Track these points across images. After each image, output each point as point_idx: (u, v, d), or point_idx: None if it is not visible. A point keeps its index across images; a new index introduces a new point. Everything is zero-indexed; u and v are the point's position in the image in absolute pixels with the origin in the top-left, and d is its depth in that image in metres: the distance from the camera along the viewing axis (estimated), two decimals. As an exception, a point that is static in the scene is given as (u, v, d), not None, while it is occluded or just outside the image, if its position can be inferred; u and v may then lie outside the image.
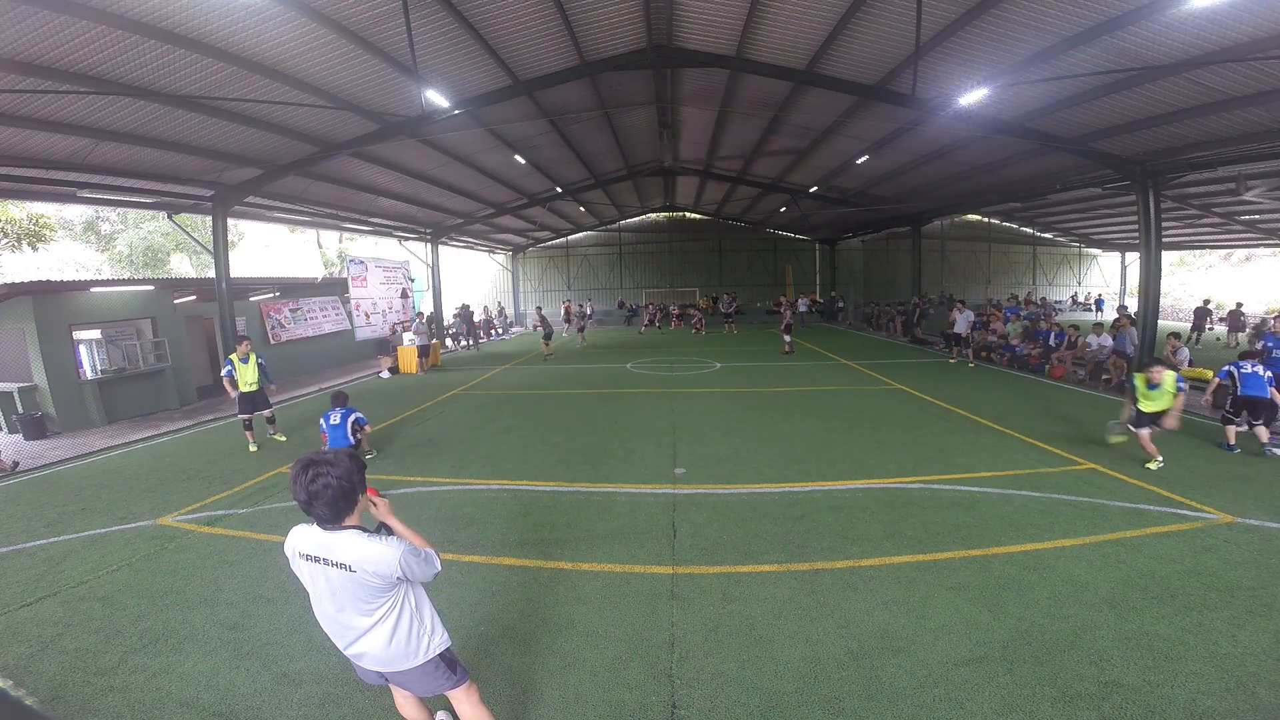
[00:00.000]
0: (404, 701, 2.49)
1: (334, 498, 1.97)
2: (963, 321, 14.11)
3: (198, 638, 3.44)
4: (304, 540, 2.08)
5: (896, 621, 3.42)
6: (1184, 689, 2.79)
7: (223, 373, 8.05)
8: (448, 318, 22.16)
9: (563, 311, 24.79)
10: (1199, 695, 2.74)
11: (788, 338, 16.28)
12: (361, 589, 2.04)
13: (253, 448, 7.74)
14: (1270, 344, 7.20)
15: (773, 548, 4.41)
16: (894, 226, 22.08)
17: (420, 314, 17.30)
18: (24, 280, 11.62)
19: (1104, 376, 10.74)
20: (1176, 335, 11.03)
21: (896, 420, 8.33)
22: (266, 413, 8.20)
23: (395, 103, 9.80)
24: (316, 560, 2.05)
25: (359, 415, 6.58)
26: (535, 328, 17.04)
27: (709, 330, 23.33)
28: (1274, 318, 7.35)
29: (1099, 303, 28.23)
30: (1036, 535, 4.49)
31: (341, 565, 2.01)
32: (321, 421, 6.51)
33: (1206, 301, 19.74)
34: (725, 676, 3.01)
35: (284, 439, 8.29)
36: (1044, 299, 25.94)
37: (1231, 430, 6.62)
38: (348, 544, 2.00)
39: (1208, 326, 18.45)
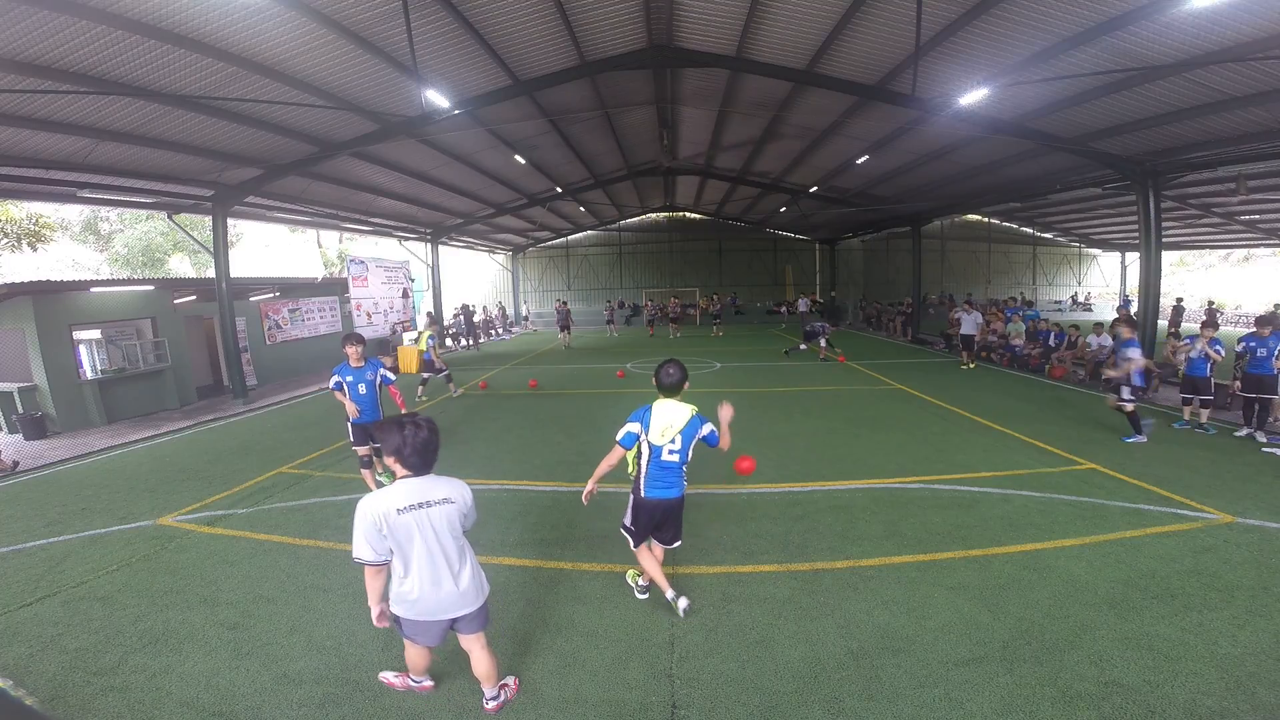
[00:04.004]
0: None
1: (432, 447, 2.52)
2: (970, 323, 13.17)
3: (198, 638, 3.44)
4: (397, 498, 2.44)
5: (896, 621, 3.42)
6: (1184, 689, 2.78)
7: (431, 341, 10.42)
8: (447, 318, 22.21)
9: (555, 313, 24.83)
10: (1199, 695, 2.74)
11: (823, 342, 14.34)
12: (456, 520, 2.56)
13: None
14: (1251, 344, 7.23)
15: (773, 548, 4.41)
16: (894, 226, 22.08)
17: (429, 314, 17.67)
18: (24, 280, 11.63)
19: (1104, 376, 10.72)
20: (1177, 335, 11.03)
21: (896, 420, 8.33)
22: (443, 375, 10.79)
23: (395, 103, 9.80)
24: (419, 507, 2.45)
25: (385, 373, 5.69)
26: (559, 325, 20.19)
27: (686, 331, 23.32)
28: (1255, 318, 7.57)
29: (1126, 303, 25.04)
30: (1036, 535, 4.49)
31: (444, 500, 2.52)
32: (338, 377, 5.42)
33: (1180, 300, 21.70)
34: (725, 676, 3.01)
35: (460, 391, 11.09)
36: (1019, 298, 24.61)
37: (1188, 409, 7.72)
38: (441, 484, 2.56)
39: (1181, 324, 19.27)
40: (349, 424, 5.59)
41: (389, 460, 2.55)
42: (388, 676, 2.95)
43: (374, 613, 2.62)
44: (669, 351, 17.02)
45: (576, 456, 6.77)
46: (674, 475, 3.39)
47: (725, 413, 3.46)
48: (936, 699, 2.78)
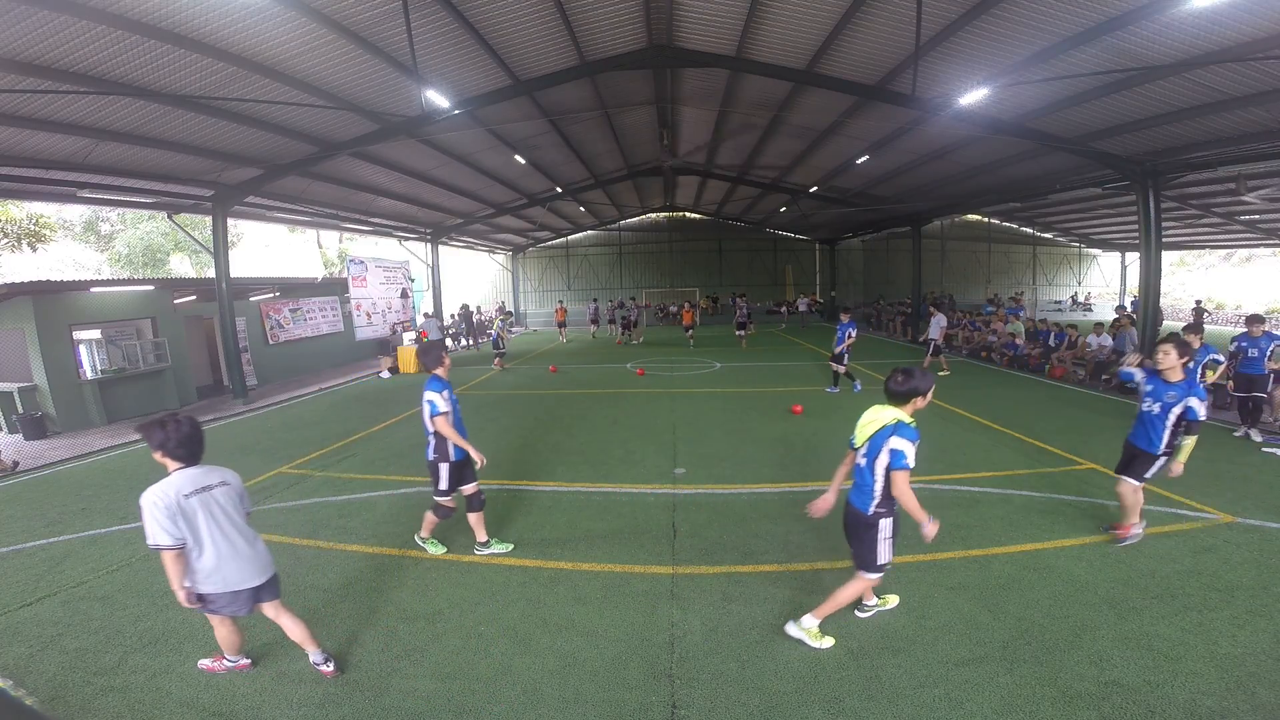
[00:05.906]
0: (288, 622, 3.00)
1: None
2: (935, 327, 12.19)
3: (198, 638, 3.44)
4: (181, 485, 2.65)
5: (896, 621, 3.42)
6: (1184, 689, 2.79)
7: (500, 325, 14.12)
8: (446, 318, 22.25)
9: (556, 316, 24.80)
10: (1199, 695, 2.74)
11: (740, 333, 17.80)
12: (237, 500, 2.84)
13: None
14: (1243, 344, 7.26)
15: (773, 548, 4.41)
16: (894, 226, 22.09)
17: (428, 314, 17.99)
18: (24, 280, 11.63)
19: (1104, 376, 10.74)
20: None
21: (896, 420, 8.32)
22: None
23: (395, 103, 9.80)
24: (202, 490, 2.69)
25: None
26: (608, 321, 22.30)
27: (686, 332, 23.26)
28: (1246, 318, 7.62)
29: (1136, 303, 25.34)
30: (1036, 535, 4.49)
31: (221, 483, 2.80)
32: (442, 397, 4.05)
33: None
34: (725, 676, 3.01)
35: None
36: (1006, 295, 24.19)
37: None
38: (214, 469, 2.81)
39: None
40: (445, 464, 3.99)
41: (156, 455, 2.66)
42: (205, 663, 3.06)
43: (180, 595, 2.75)
44: (671, 351, 17.04)
45: (576, 456, 6.77)
46: (862, 482, 3.10)
47: (928, 530, 3.08)
48: (936, 699, 2.79)
